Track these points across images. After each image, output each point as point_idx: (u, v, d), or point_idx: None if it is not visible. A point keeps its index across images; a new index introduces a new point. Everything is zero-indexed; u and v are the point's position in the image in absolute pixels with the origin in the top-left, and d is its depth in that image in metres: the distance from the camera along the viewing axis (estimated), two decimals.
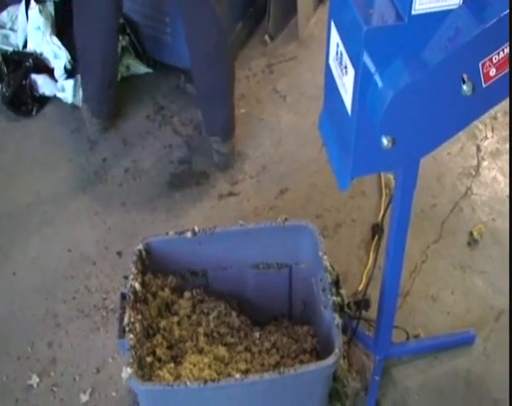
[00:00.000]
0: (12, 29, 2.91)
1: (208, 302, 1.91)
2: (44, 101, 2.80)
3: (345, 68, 1.25)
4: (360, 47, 1.16)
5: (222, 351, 1.79)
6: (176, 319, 1.83)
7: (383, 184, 2.50)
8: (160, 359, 1.72)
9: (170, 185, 2.55)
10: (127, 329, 1.61)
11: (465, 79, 1.17)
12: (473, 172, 2.61)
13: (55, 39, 2.73)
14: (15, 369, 2.01)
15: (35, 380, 1.98)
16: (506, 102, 2.73)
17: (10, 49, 2.84)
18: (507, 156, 2.66)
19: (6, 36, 2.91)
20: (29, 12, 2.76)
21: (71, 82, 2.71)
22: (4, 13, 2.96)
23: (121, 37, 2.71)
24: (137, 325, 1.64)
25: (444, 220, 2.44)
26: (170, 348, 1.78)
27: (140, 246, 1.80)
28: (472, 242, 2.37)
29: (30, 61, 2.75)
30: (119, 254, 2.31)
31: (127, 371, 1.52)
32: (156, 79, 2.89)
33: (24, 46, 2.85)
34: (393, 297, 1.82)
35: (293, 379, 1.59)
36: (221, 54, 2.38)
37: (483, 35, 1.14)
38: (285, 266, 1.92)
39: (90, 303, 2.18)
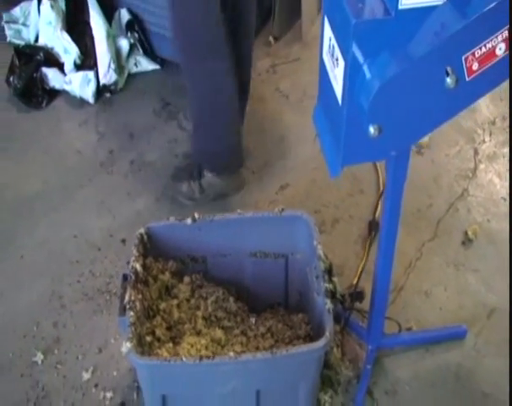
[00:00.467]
0: (24, 24, 3.01)
1: (207, 287, 1.98)
2: (54, 93, 2.88)
3: (337, 60, 1.33)
4: (349, 40, 1.23)
5: (219, 334, 1.86)
6: (175, 302, 1.90)
7: (381, 183, 2.57)
8: (159, 339, 1.79)
9: (174, 177, 2.59)
10: (127, 307, 1.68)
11: (449, 71, 1.24)
12: (470, 175, 2.67)
13: (65, 34, 2.81)
14: (21, 346, 2.08)
15: (39, 357, 2.05)
16: (504, 108, 2.83)
17: (22, 43, 2.93)
18: (504, 160, 2.72)
19: (18, 31, 3.01)
20: (41, 7, 2.84)
21: (79, 76, 2.79)
22: (17, 9, 3.05)
23: (129, 34, 2.80)
24: (137, 303, 1.71)
25: (440, 219, 2.49)
26: (169, 329, 1.85)
27: (142, 230, 1.87)
28: (467, 241, 2.42)
29: (41, 55, 2.84)
30: (123, 241, 2.38)
31: (126, 346, 1.59)
32: (163, 75, 2.97)
33: (36, 40, 2.94)
34: (384, 288, 1.88)
35: (285, 360, 1.64)
36: None
37: (466, 30, 1.20)
38: (282, 256, 1.99)
39: (94, 286, 2.25)
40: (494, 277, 2.31)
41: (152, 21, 2.80)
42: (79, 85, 2.79)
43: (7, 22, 3.03)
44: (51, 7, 2.80)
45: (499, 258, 2.37)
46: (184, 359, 1.62)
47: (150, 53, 2.90)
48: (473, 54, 1.24)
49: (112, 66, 2.78)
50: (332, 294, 1.74)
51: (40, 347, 2.08)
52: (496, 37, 1.23)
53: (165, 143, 2.74)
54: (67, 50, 2.80)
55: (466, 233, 2.44)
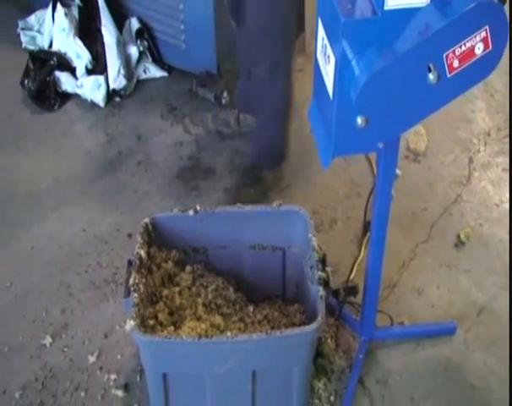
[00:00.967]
0: (39, 31, 3.15)
1: (207, 277, 2.07)
2: (66, 97, 3.01)
3: (328, 57, 1.44)
4: (339, 37, 1.35)
5: (218, 320, 1.94)
6: (177, 289, 1.99)
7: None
8: (161, 324, 1.88)
9: (179, 178, 2.73)
10: (132, 289, 1.79)
11: (431, 68, 1.35)
12: (464, 181, 2.77)
13: (78, 40, 2.94)
14: (31, 330, 2.19)
15: (48, 340, 2.16)
16: (499, 120, 2.93)
17: (37, 49, 3.07)
18: (497, 169, 2.83)
19: (33, 38, 3.15)
20: (55, 14, 2.97)
21: (91, 80, 2.92)
22: (32, 17, 3.19)
23: (139, 42, 2.92)
24: (141, 286, 1.82)
25: (434, 222, 2.59)
26: (171, 314, 1.94)
27: (147, 220, 1.98)
28: (459, 243, 2.52)
29: (55, 59, 2.97)
30: (129, 236, 2.48)
31: (130, 323, 1.69)
32: (171, 82, 3.10)
33: (50, 46, 3.06)
34: (376, 279, 1.97)
35: (279, 341, 1.73)
36: None
37: (447, 29, 1.32)
38: (279, 249, 2.08)
39: (101, 276, 2.36)
40: (484, 278, 2.40)
41: (161, 30, 2.93)
42: (90, 88, 2.91)
43: (22, 29, 3.17)
44: (65, 14, 2.93)
45: (490, 260, 2.47)
46: (184, 337, 1.73)
47: (159, 61, 3.03)
48: (454, 52, 1.35)
49: (122, 72, 2.90)
50: (325, 283, 1.84)
51: (48, 331, 2.19)
52: (475, 37, 1.34)
53: (171, 145, 2.86)
54: (79, 55, 2.92)
55: (459, 236, 2.53)
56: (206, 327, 1.91)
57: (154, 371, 1.81)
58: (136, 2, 2.92)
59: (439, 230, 2.57)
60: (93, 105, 2.98)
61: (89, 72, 2.93)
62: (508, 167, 2.82)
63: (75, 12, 2.96)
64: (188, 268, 2.06)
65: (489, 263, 2.46)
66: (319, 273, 1.85)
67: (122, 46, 2.90)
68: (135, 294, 1.78)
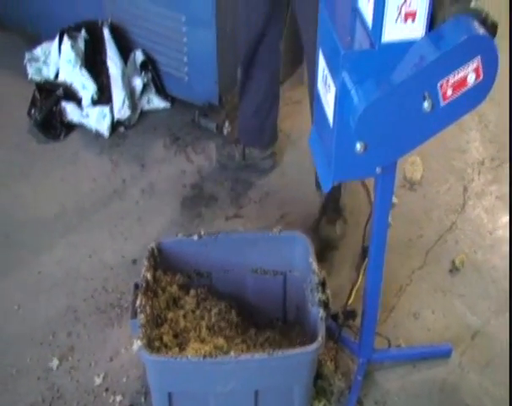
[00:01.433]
0: (45, 62, 3.23)
1: (211, 300, 2.13)
2: (71, 127, 3.09)
3: (329, 87, 1.52)
4: (339, 68, 1.43)
5: (221, 342, 1.99)
6: (182, 312, 2.05)
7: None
8: (166, 345, 1.93)
9: (182, 206, 2.80)
10: (138, 310, 1.85)
11: (426, 97, 1.43)
12: (459, 209, 2.84)
13: (84, 71, 3.01)
14: (38, 352, 2.24)
15: (55, 363, 2.21)
16: (493, 150, 3.02)
17: (43, 80, 3.15)
18: (491, 197, 2.90)
19: (39, 69, 3.23)
20: (62, 46, 3.05)
21: (96, 110, 3.00)
22: (38, 49, 3.28)
23: (143, 74, 3.01)
24: (147, 308, 1.88)
25: (429, 249, 2.66)
26: (175, 336, 1.99)
27: (153, 244, 2.05)
28: (454, 270, 2.58)
29: (61, 90, 3.05)
30: (134, 261, 2.55)
31: (137, 343, 1.75)
32: (173, 113, 3.18)
33: (55, 77, 3.14)
34: (374, 304, 2.02)
35: (281, 360, 1.79)
36: None
37: (440, 60, 1.40)
38: (280, 273, 2.15)
39: (107, 301, 2.41)
40: (478, 303, 2.47)
41: (164, 62, 3.02)
42: (96, 119, 3.00)
43: (29, 60, 3.26)
44: (72, 46, 3.01)
45: (483, 286, 2.53)
46: (189, 356, 1.79)
47: (162, 92, 3.11)
48: (447, 82, 1.43)
49: (127, 103, 2.98)
50: (325, 305, 1.90)
51: (55, 354, 2.24)
52: (467, 67, 1.42)
53: (174, 174, 2.93)
54: (85, 86, 3.00)
55: (454, 262, 2.60)
56: (210, 349, 1.95)
57: (160, 390, 1.87)
58: (141, 36, 3.01)
59: (435, 256, 2.64)
60: (98, 135, 3.06)
61: (95, 103, 3.01)
62: (501, 195, 2.91)
63: (81, 44, 3.05)
64: (193, 292, 2.12)
65: (483, 288, 2.53)
66: (319, 296, 1.91)
67: (126, 77, 2.98)
68: (142, 315, 1.84)
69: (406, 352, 2.30)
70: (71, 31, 3.06)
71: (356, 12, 1.48)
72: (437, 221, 2.80)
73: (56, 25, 3.13)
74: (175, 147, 3.05)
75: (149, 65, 3.03)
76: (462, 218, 2.81)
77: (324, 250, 2.57)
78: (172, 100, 3.16)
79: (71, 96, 3.05)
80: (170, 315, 2.03)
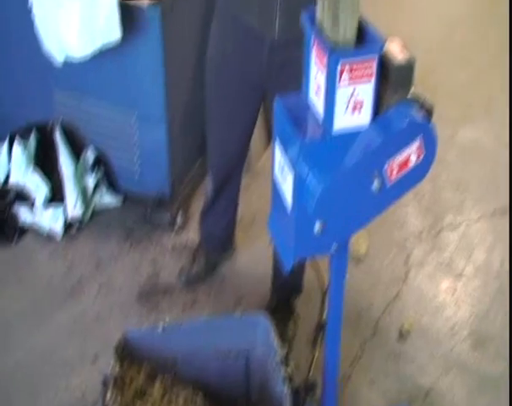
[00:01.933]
0: None
1: (177, 386, 2.16)
2: (25, 229, 3.11)
3: (286, 174, 1.66)
4: (296, 157, 1.57)
5: None
6: (150, 400, 2.08)
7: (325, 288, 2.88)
8: None
9: (139, 299, 2.85)
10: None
11: (375, 177, 1.58)
12: (403, 278, 3.01)
13: (36, 173, 3.05)
14: None
15: None
16: (430, 220, 3.22)
17: None
18: (431, 265, 3.09)
19: None
20: (13, 148, 3.07)
21: (49, 211, 3.04)
22: None
23: (95, 172, 3.09)
24: (117, 401, 1.93)
25: (378, 318, 2.81)
26: None
27: (119, 337, 2.10)
28: (402, 336, 2.74)
29: (11, 195, 3.07)
30: (95, 358, 2.58)
31: None
32: (126, 208, 3.24)
33: (6, 180, 3.13)
34: (333, 375, 2.09)
35: None
36: None
37: (385, 144, 1.55)
38: (243, 354, 2.22)
39: (70, 399, 2.44)
40: (427, 364, 2.65)
41: (116, 159, 3.09)
42: (49, 219, 3.04)
43: None
44: (23, 149, 3.05)
45: (430, 348, 2.71)
46: None
47: (114, 188, 3.18)
48: (393, 163, 1.58)
49: (80, 201, 3.04)
50: (289, 380, 2.00)
51: None
52: (409, 149, 1.58)
53: (129, 268, 2.99)
54: (38, 187, 3.04)
55: (402, 329, 2.77)
56: None
57: None
58: (92, 134, 3.07)
59: (384, 325, 2.79)
60: (51, 235, 3.10)
61: (48, 203, 3.06)
62: (441, 262, 3.11)
63: (32, 145, 3.10)
64: (159, 380, 2.15)
65: (430, 350, 2.70)
66: (283, 372, 2.01)
67: (79, 176, 3.05)
68: None
69: None
70: (21, 133, 3.11)
71: (308, 105, 1.63)
72: (383, 291, 2.95)
73: (5, 128, 3.17)
74: (129, 242, 3.12)
75: (100, 163, 3.10)
76: (406, 287, 2.98)
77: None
78: (124, 195, 3.23)
79: (24, 198, 3.08)
80: (138, 404, 2.06)
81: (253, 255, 3.06)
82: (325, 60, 1.49)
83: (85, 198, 3.11)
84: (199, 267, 2.94)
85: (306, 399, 2.23)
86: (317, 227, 1.61)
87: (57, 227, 3.06)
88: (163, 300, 2.86)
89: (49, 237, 3.11)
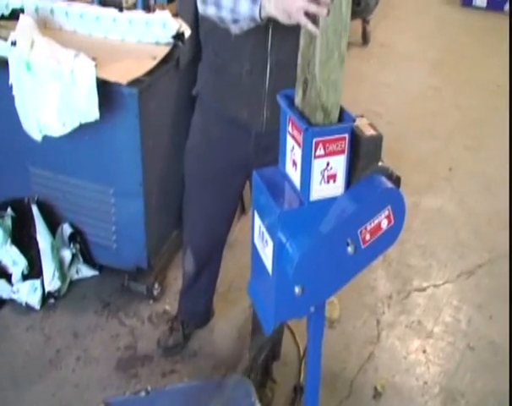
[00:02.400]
0: None
1: None
2: (1, 302, 3.15)
3: (266, 241, 1.76)
4: (275, 225, 1.69)
5: None
6: None
7: (301, 352, 2.96)
8: None
9: (118, 368, 2.88)
10: None
11: (349, 242, 1.69)
12: (375, 340, 3.12)
13: (14, 248, 3.10)
14: None
15: None
16: (398, 284, 3.36)
17: None
18: (401, 326, 3.21)
19: None
20: None
21: (27, 285, 3.08)
22: None
23: (72, 245, 3.17)
24: None
25: (353, 379, 2.90)
26: None
27: (102, 404, 2.17)
28: (377, 395, 2.84)
29: None
30: None
31: None
32: (102, 279, 3.30)
33: None
34: None
35: None
36: None
37: (358, 211, 1.68)
38: None
39: None
40: None
41: (92, 233, 3.15)
42: (27, 292, 3.08)
43: None
44: None
45: (404, 404, 2.82)
46: None
47: (90, 261, 3.24)
48: (365, 228, 1.70)
49: (57, 274, 3.09)
50: None
51: None
52: (380, 215, 1.70)
53: (107, 339, 3.03)
54: (15, 262, 3.10)
55: (376, 388, 2.87)
56: None
57: None
58: (68, 210, 3.13)
59: (359, 385, 2.88)
60: (28, 308, 3.13)
61: (25, 277, 3.10)
62: (410, 323, 3.23)
63: (8, 221, 3.16)
64: None
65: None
66: None
67: (56, 250, 3.11)
68: None
69: None
70: None
71: (285, 176, 1.75)
72: (357, 353, 3.05)
73: None
74: (106, 312, 3.17)
75: (77, 237, 3.16)
76: (379, 348, 3.09)
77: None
78: (101, 267, 3.28)
79: (0, 273, 3.13)
80: None
81: (230, 322, 3.14)
82: (301, 137, 1.62)
83: (62, 271, 3.17)
84: (177, 338, 2.99)
85: None
86: (297, 290, 1.71)
87: (35, 300, 3.11)
88: (142, 370, 2.90)
89: (26, 309, 3.14)
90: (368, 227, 1.71)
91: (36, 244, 3.10)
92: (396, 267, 3.60)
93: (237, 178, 2.46)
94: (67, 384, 2.83)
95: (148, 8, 2.98)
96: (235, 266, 3.33)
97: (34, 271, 3.12)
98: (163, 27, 2.83)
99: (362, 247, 1.73)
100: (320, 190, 1.66)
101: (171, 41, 2.84)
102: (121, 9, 2.96)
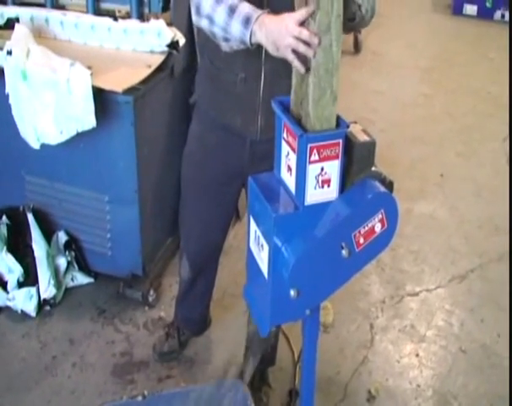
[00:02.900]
0: None
1: None
2: None
3: (262, 246, 1.79)
4: (271, 229, 1.72)
5: None
6: None
7: (296, 357, 2.99)
8: None
9: (114, 374, 2.90)
10: None
11: (343, 246, 1.73)
12: (368, 345, 3.15)
13: (10, 255, 3.12)
14: None
15: None
16: (390, 290, 3.39)
17: None
18: (394, 330, 3.25)
19: None
20: None
21: (22, 292, 3.10)
22: None
23: (67, 253, 3.19)
24: None
25: (347, 383, 2.93)
26: None
27: None
28: (371, 398, 2.87)
29: None
30: None
31: None
32: (98, 286, 3.32)
33: None
34: None
35: None
36: None
37: (352, 215, 1.71)
38: None
39: None
40: None
41: (87, 240, 3.18)
42: (22, 300, 3.10)
43: None
44: None
45: None
46: None
47: (85, 268, 3.26)
48: (359, 232, 1.73)
49: (52, 282, 3.11)
50: None
51: None
52: (374, 219, 1.73)
53: (103, 345, 3.05)
54: (11, 269, 3.11)
55: (370, 392, 2.90)
56: None
57: None
58: (64, 217, 3.16)
59: (353, 389, 2.91)
60: (24, 315, 3.14)
61: (21, 284, 3.12)
62: (403, 327, 3.27)
63: (4, 229, 3.18)
64: None
65: None
66: None
67: (51, 258, 3.13)
68: None
69: None
70: None
71: (280, 182, 1.79)
72: (351, 357, 3.08)
73: None
74: (102, 319, 3.18)
75: (72, 244, 3.18)
76: (372, 352, 3.12)
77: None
78: (96, 274, 3.30)
79: None
80: None
81: (225, 328, 3.16)
82: (296, 142, 1.65)
83: (58, 278, 3.19)
84: (172, 344, 3.00)
85: None
86: (292, 293, 1.74)
87: (31, 307, 3.12)
88: (138, 375, 2.91)
89: (22, 317, 3.15)
90: (362, 231, 1.74)
91: (32, 251, 3.12)
92: (389, 272, 3.63)
93: (233, 185, 2.48)
94: (63, 390, 2.84)
95: (142, 17, 3.00)
96: (229, 273, 3.35)
97: (29, 278, 3.13)
98: (158, 36, 2.87)
99: (357, 250, 1.76)
100: (315, 195, 1.70)
101: (166, 49, 2.87)
102: (115, 18, 2.99)
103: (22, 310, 3.15)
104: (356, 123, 1.75)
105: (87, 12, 3.09)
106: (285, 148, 1.74)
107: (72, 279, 3.28)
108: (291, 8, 1.70)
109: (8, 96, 2.79)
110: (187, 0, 2.41)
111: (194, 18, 2.04)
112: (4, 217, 3.22)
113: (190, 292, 2.86)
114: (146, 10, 3.00)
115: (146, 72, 2.78)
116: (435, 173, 4.61)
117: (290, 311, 1.83)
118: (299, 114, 1.71)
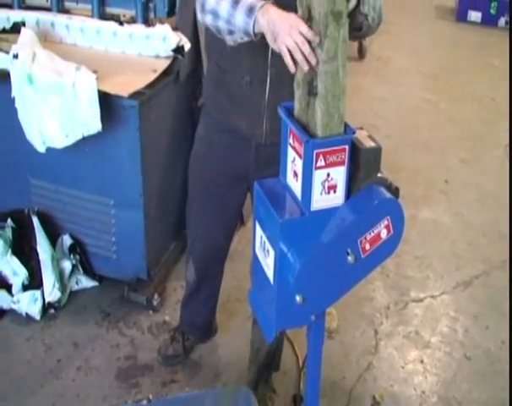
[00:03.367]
0: None
1: None
2: (1, 313, 3.17)
3: (268, 251, 1.80)
4: (277, 235, 1.72)
5: None
6: None
7: (300, 362, 2.98)
8: None
9: (118, 378, 2.91)
10: None
11: (349, 252, 1.73)
12: (373, 350, 3.15)
13: (15, 258, 3.13)
14: None
15: None
16: (395, 296, 3.39)
17: None
18: (399, 336, 3.24)
19: None
20: None
21: (27, 295, 3.11)
22: None
23: (71, 256, 3.20)
24: None
25: (352, 388, 2.93)
26: None
27: None
28: (375, 404, 2.87)
29: None
30: None
31: None
32: (102, 290, 3.33)
33: None
34: None
35: None
36: None
37: (358, 221, 1.71)
38: None
39: None
40: None
41: (92, 243, 3.19)
42: (27, 303, 3.10)
43: None
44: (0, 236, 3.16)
45: None
46: None
47: (90, 272, 3.27)
48: (365, 238, 1.73)
49: (57, 285, 3.12)
50: None
51: None
52: (380, 225, 1.74)
53: (108, 349, 3.05)
54: (16, 272, 3.12)
55: (374, 398, 2.89)
56: None
57: None
58: (68, 221, 3.17)
59: (358, 394, 2.91)
60: (29, 318, 3.15)
61: (26, 287, 3.12)
62: (408, 333, 3.27)
63: (9, 232, 3.19)
64: None
65: None
66: None
67: (56, 261, 3.14)
68: None
69: None
70: None
71: (285, 187, 1.79)
72: (355, 362, 3.08)
73: None
74: (106, 323, 3.19)
75: (77, 248, 3.19)
76: (377, 358, 3.12)
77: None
78: (101, 277, 3.31)
79: (1, 283, 3.15)
80: None
81: (230, 333, 3.16)
82: (302, 148, 1.65)
83: (62, 282, 3.19)
84: (177, 348, 3.00)
85: None
86: (298, 298, 1.74)
87: (35, 310, 3.13)
88: (142, 379, 2.92)
89: (27, 320, 3.16)
90: (368, 237, 1.74)
91: (37, 254, 3.13)
92: (394, 278, 3.63)
93: (237, 188, 2.48)
94: (67, 394, 2.85)
95: (147, 22, 3.01)
96: (234, 277, 3.35)
97: (34, 281, 3.14)
98: (163, 41, 2.88)
99: (362, 256, 1.76)
100: (321, 201, 1.70)
101: (171, 54, 2.88)
102: (121, 23, 3.00)
103: (27, 313, 3.16)
104: (362, 128, 1.75)
105: (92, 16, 3.11)
106: (291, 154, 1.74)
107: (76, 282, 3.29)
108: (294, 4, 1.72)
109: (14, 99, 2.80)
110: (192, 5, 2.42)
111: (199, 15, 2.06)
112: (9, 220, 3.24)
113: (195, 295, 2.85)
114: (151, 15, 3.02)
115: (152, 76, 2.79)
116: (439, 180, 4.61)
117: (295, 317, 1.84)
118: (305, 120, 1.71)
